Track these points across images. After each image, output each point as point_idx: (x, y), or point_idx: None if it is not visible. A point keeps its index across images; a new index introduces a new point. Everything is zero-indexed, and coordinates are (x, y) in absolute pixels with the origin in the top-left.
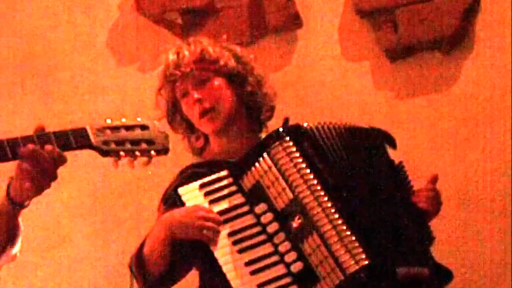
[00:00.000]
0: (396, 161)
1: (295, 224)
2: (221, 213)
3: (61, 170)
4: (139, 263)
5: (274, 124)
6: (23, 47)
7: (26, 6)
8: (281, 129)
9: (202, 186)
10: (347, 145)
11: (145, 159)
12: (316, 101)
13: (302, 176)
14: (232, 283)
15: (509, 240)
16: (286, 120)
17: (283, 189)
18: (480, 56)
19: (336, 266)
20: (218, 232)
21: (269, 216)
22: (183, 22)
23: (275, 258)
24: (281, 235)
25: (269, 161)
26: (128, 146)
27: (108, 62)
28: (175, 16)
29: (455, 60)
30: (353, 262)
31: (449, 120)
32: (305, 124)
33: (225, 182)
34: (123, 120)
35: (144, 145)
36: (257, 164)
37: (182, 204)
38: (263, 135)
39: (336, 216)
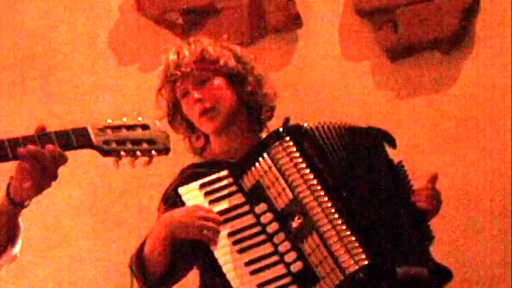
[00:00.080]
0: (396, 161)
1: (295, 224)
2: (221, 213)
3: (61, 170)
4: (139, 263)
5: (274, 124)
6: (24, 47)
7: (26, 6)
8: (281, 129)
9: (202, 186)
10: (347, 145)
11: (146, 158)
12: (316, 101)
13: (302, 176)
14: (232, 283)
15: (509, 240)
16: (286, 120)
17: (283, 189)
18: (480, 56)
19: (336, 266)
20: (218, 232)
21: (269, 216)
22: (183, 22)
23: (275, 258)
24: (281, 235)
25: (269, 161)
26: (129, 145)
27: (108, 62)
28: (176, 16)
29: (455, 60)
30: (352, 262)
31: (449, 120)
32: (305, 124)
33: (225, 182)
34: (124, 119)
35: (145, 145)
36: (257, 164)
37: (182, 204)
38: (263, 135)
39: (336, 216)
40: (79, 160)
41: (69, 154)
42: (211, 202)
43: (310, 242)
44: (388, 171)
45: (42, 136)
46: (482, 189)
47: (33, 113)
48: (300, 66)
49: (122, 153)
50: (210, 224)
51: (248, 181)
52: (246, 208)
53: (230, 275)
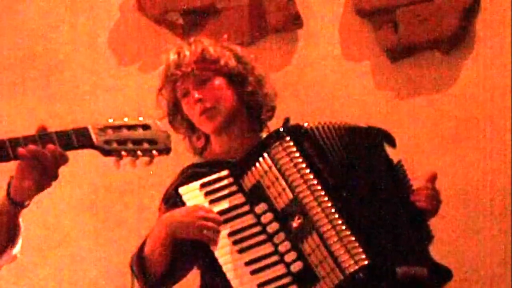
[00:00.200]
0: (396, 161)
1: (295, 224)
2: (221, 213)
3: (62, 170)
4: (140, 263)
5: (275, 124)
6: (24, 47)
7: (27, 6)
8: (281, 129)
9: (202, 185)
10: (347, 145)
11: (146, 158)
12: (316, 101)
13: (302, 176)
14: (232, 282)
15: (509, 240)
16: (287, 120)
17: (283, 189)
18: (480, 56)
19: (336, 266)
20: (218, 232)
21: (269, 216)
22: (184, 23)
23: (275, 258)
24: (281, 235)
25: (269, 161)
26: (130, 145)
27: (109, 62)
28: (176, 16)
29: (455, 60)
30: (352, 262)
31: (449, 120)
32: (305, 124)
33: (225, 182)
34: (125, 119)
35: (146, 145)
36: (257, 164)
37: (183, 203)
38: (263, 135)
39: (336, 216)
40: (80, 160)
41: (70, 154)
42: (212, 202)
43: (310, 242)
44: (387, 171)
45: (43, 136)
46: (482, 189)
47: (34, 113)
48: (300, 66)
49: (123, 153)
50: (210, 224)
51: (248, 181)
52: (246, 208)
53: (230, 275)
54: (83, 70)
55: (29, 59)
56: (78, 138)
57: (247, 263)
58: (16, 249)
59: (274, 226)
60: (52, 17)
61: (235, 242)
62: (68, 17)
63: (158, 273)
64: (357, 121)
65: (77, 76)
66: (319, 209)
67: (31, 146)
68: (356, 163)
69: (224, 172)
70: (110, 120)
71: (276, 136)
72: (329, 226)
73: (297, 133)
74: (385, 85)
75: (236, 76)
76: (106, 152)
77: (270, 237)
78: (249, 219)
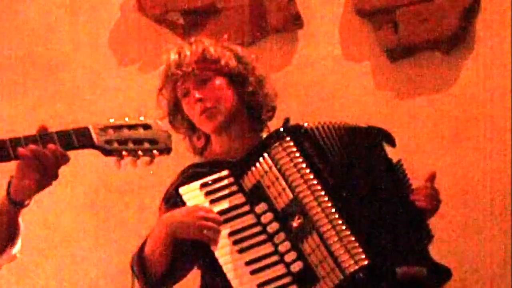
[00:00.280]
0: (396, 161)
1: (295, 224)
2: (222, 212)
3: (63, 170)
4: (140, 263)
5: (275, 124)
6: (25, 47)
7: (28, 7)
8: (281, 129)
9: (203, 185)
10: (347, 145)
11: (147, 158)
12: (316, 101)
13: (302, 176)
14: (232, 282)
15: (509, 240)
16: (287, 120)
17: (283, 189)
18: (480, 56)
19: (336, 266)
20: (219, 232)
21: (269, 216)
22: (184, 23)
23: (275, 258)
24: (281, 235)
25: (270, 161)
26: (131, 145)
27: (110, 62)
28: (177, 16)
29: (455, 60)
30: (352, 262)
31: (449, 120)
32: (305, 124)
33: (225, 182)
34: (126, 119)
35: (146, 145)
36: (257, 164)
37: (183, 203)
38: (264, 135)
39: (336, 216)
40: (80, 160)
41: (71, 153)
42: (212, 202)
43: (310, 242)
44: (387, 171)
45: (43, 136)
46: (482, 189)
47: (35, 113)
48: (301, 66)
49: (124, 153)
50: (210, 224)
51: (248, 181)
52: (246, 208)
53: (230, 275)
54: (84, 70)
55: (30, 59)
56: (78, 138)
57: (247, 263)
58: (16, 249)
59: (274, 226)
60: (53, 17)
61: (235, 242)
62: (69, 17)
63: (158, 273)
64: (357, 121)
65: (77, 76)
66: (319, 209)
67: (32, 146)
68: (356, 163)
69: (225, 172)
70: (111, 120)
71: (276, 136)
72: (329, 226)
73: (297, 133)
74: (385, 85)
75: (236, 76)
76: (107, 152)
77: (270, 237)
78: (249, 219)
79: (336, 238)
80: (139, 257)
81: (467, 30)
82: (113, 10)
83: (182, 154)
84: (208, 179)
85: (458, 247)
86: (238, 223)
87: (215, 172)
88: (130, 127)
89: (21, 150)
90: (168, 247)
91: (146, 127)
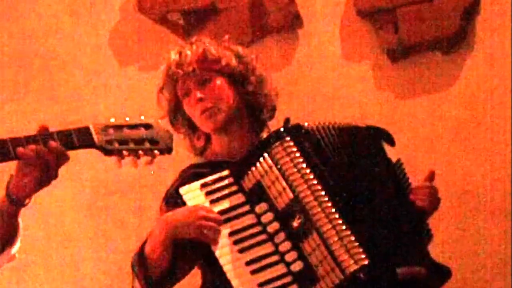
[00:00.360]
0: (395, 161)
1: (295, 223)
2: (222, 212)
3: (63, 169)
4: (140, 263)
5: (275, 124)
6: (25, 47)
7: (28, 7)
8: (282, 129)
9: (203, 185)
10: (347, 144)
11: (148, 158)
12: (316, 101)
13: (302, 176)
14: (233, 282)
15: (509, 240)
16: (287, 120)
17: (284, 189)
18: (480, 56)
19: (336, 265)
20: (219, 231)
21: (269, 215)
22: (184, 23)
23: (275, 258)
24: (282, 235)
25: (270, 161)
26: (132, 145)
27: (110, 62)
28: (177, 16)
29: (455, 60)
30: (352, 262)
31: (449, 120)
32: (305, 124)
33: (226, 182)
34: (127, 119)
35: (147, 144)
36: (257, 164)
37: (184, 203)
38: (264, 135)
39: (336, 216)
40: (81, 160)
41: (71, 153)
42: (212, 202)
43: (311, 241)
44: (387, 170)
45: (44, 136)
46: (482, 189)
47: (35, 113)
48: (301, 66)
49: (125, 152)
50: (210, 224)
51: (248, 181)
52: (246, 207)
53: (230, 275)
54: (84, 71)
55: (30, 60)
56: (79, 138)
57: (248, 263)
58: (15, 249)
59: (275, 226)
60: (53, 17)
61: (235, 242)
62: (69, 18)
63: (158, 272)
64: (357, 121)
65: (78, 77)
66: (319, 209)
67: (32, 146)
68: (356, 163)
69: (225, 172)
70: (112, 120)
71: (277, 136)
72: (329, 226)
73: (297, 133)
74: (385, 85)
75: (237, 76)
76: (108, 152)
77: (270, 237)
78: (249, 219)
79: (336, 238)
80: (139, 257)
81: (467, 30)
82: (113, 10)
83: (183, 155)
84: (209, 179)
85: (458, 247)
86: (238, 223)
87: (216, 172)
88: (131, 126)
89: (21, 149)
90: (168, 247)
91: (147, 126)
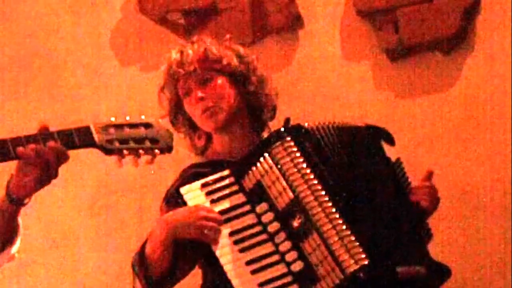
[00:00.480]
0: (395, 159)
1: (295, 223)
2: (222, 212)
3: (64, 169)
4: (141, 263)
5: (275, 124)
6: (26, 47)
7: (29, 7)
8: (282, 129)
9: (203, 185)
10: (347, 144)
11: (148, 157)
12: (316, 101)
13: (302, 176)
14: (233, 282)
15: (509, 239)
16: (287, 120)
17: (284, 189)
18: (480, 56)
19: (336, 265)
20: (219, 231)
21: (270, 215)
22: (185, 23)
23: (275, 258)
24: (282, 235)
25: (270, 161)
26: (132, 144)
27: (111, 62)
28: (178, 16)
29: (456, 60)
30: (352, 261)
31: (449, 120)
32: (306, 124)
33: (226, 181)
34: (127, 118)
35: (148, 144)
36: (258, 164)
37: (184, 203)
38: (265, 135)
39: (336, 216)
40: (81, 160)
41: (72, 153)
42: (213, 201)
43: (311, 241)
44: (386, 170)
45: (44, 136)
46: (482, 189)
47: (36, 113)
48: (301, 66)
49: (125, 151)
50: (211, 223)
51: (249, 181)
52: (247, 207)
53: (231, 274)
54: (85, 71)
55: (31, 60)
56: (79, 137)
57: (248, 263)
58: (14, 249)
59: (275, 225)
60: (54, 17)
61: (236, 242)
62: (70, 18)
63: (159, 272)
64: (357, 121)
65: (79, 77)
66: (319, 209)
67: (32, 145)
68: (356, 163)
69: (225, 172)
70: (112, 119)
71: (277, 136)
72: (330, 226)
73: (297, 133)
74: (385, 85)
75: (238, 76)
76: (108, 151)
77: (270, 237)
78: (250, 219)
79: (336, 238)
80: (140, 257)
81: (467, 30)
82: (114, 10)
83: (183, 154)
84: (209, 179)
85: (458, 247)
86: (238, 223)
87: (216, 172)
88: (131, 126)
89: (21, 149)
90: (168, 247)
91: (147, 126)
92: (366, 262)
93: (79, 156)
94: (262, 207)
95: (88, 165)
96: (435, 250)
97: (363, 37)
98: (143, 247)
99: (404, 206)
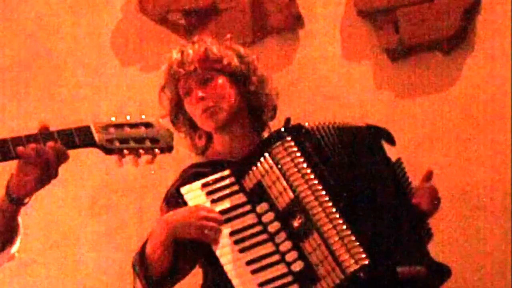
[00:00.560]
0: (396, 159)
1: (296, 223)
2: (223, 212)
3: (64, 169)
4: (141, 263)
5: (276, 124)
6: (27, 47)
7: (29, 7)
8: (282, 129)
9: (204, 185)
10: (347, 144)
11: (149, 157)
12: (317, 101)
13: (303, 176)
14: (233, 282)
15: (509, 239)
16: (288, 120)
17: (284, 189)
18: (480, 56)
19: (336, 265)
20: (220, 231)
21: (270, 215)
22: (186, 23)
23: (276, 258)
24: (282, 235)
25: (270, 161)
26: (132, 144)
27: (111, 62)
28: (178, 16)
29: (456, 60)
30: (353, 261)
31: (449, 120)
32: (306, 124)
33: (227, 181)
34: (127, 118)
35: (148, 143)
36: (258, 164)
37: (185, 203)
38: (265, 135)
39: (337, 216)
40: (81, 159)
41: (72, 152)
42: (213, 201)
43: (311, 241)
44: (387, 169)
45: (44, 135)
46: (482, 189)
47: (36, 113)
48: (301, 66)
49: (125, 151)
50: (211, 223)
51: (249, 181)
52: (247, 207)
53: (231, 274)
54: (85, 71)
55: (32, 60)
56: (80, 137)
57: (248, 263)
58: (14, 248)
59: (275, 225)
60: (54, 17)
61: (236, 242)
62: (70, 18)
63: (159, 272)
64: (357, 121)
65: (79, 77)
66: (320, 209)
67: (32, 145)
68: (356, 163)
69: (226, 172)
70: (112, 119)
71: (277, 136)
72: (330, 226)
73: (298, 133)
74: (386, 85)
75: (238, 76)
76: (108, 151)
77: (271, 237)
78: (250, 219)
79: (336, 238)
80: (140, 257)
81: (468, 30)
82: (114, 10)
83: (183, 154)
84: (209, 178)
85: (458, 247)
86: (239, 223)
87: (216, 172)
88: (132, 125)
89: (21, 149)
90: (169, 247)
91: (148, 125)
92: (366, 262)
93: (79, 156)
94: (262, 207)
95: (88, 165)
96: (435, 250)
97: (364, 37)
98: (143, 247)
99: (405, 206)
